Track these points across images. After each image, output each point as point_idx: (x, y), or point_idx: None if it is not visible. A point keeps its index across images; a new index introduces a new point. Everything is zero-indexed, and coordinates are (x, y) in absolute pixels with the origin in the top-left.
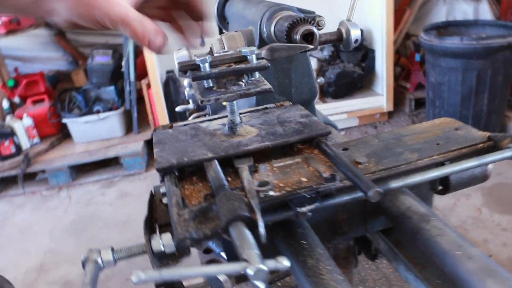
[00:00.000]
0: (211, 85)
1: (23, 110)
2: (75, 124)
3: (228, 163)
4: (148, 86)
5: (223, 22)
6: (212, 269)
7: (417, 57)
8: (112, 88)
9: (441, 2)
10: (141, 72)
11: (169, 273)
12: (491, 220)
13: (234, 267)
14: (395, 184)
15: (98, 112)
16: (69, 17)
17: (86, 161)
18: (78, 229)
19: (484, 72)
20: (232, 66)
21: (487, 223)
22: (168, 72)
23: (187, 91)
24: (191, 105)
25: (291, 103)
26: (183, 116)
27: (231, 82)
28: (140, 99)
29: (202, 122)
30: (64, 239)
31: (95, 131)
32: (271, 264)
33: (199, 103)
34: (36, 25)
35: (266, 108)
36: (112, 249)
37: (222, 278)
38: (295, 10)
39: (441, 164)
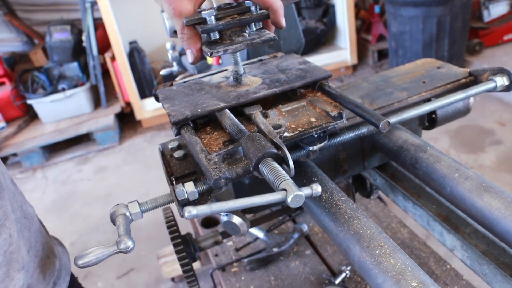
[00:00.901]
0: (217, 37)
1: None
2: (41, 104)
3: (237, 112)
4: (113, 58)
5: None
6: (256, 199)
7: (377, 8)
8: (75, 64)
9: None
10: (103, 45)
11: (218, 206)
12: (459, 160)
13: (275, 197)
14: (393, 119)
15: (63, 90)
16: None
17: (58, 140)
18: (59, 208)
19: (444, 18)
20: (236, 18)
21: None
22: (131, 43)
23: (170, 53)
24: (175, 67)
25: (283, 54)
26: (151, 86)
27: (235, 34)
28: (105, 73)
29: (203, 77)
30: (46, 219)
31: (63, 109)
32: (307, 190)
33: (209, 55)
34: None
35: (261, 60)
36: (138, 202)
37: (237, 221)
38: None
39: (428, 100)
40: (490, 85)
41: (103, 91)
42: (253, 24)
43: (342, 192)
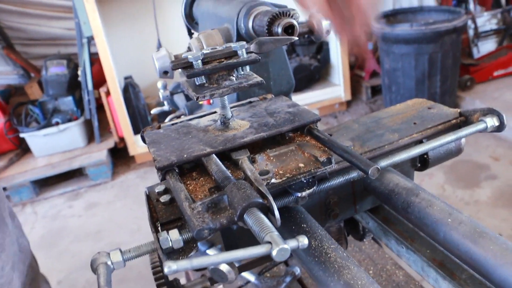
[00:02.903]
0: (203, 81)
1: None
2: (34, 137)
3: (224, 157)
4: (107, 93)
5: (191, 22)
6: (238, 253)
7: (369, 45)
8: (70, 98)
9: None
10: (98, 80)
11: (199, 261)
12: (455, 196)
13: (259, 250)
14: (383, 163)
15: (57, 124)
16: None
17: (49, 175)
18: (48, 244)
19: (435, 55)
20: (223, 61)
21: (451, 199)
22: (126, 78)
23: (161, 93)
24: (166, 107)
25: (273, 95)
26: (145, 122)
27: (222, 78)
28: (100, 108)
29: (191, 119)
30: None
31: (55, 144)
32: (293, 243)
33: (195, 99)
34: None
35: (251, 102)
36: (121, 251)
37: (225, 269)
38: (270, 4)
39: (420, 142)
40: (480, 126)
41: (97, 126)
42: (240, 67)
43: (333, 240)
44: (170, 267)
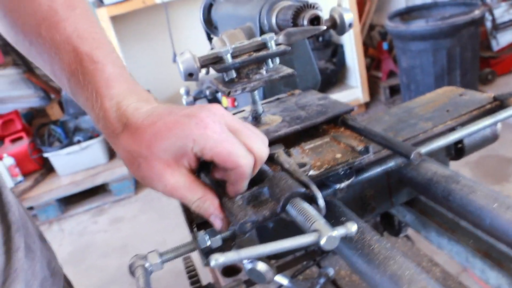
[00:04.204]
0: (233, 76)
1: (3, 150)
2: (57, 157)
3: None
4: None
5: (210, 27)
6: (286, 243)
7: (385, 45)
8: None
9: None
10: None
11: (247, 252)
12: None
13: (307, 239)
14: (423, 150)
15: (79, 142)
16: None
17: (74, 192)
18: (76, 260)
19: (453, 50)
20: (253, 54)
21: None
22: None
23: (184, 99)
24: None
25: (300, 91)
26: None
27: (252, 71)
28: None
29: None
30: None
31: (78, 161)
32: (341, 230)
33: (226, 94)
34: (4, 65)
35: (278, 98)
36: (158, 252)
37: (263, 268)
38: None
39: (454, 129)
40: None
41: None
42: (269, 60)
43: (374, 231)
44: (217, 259)
